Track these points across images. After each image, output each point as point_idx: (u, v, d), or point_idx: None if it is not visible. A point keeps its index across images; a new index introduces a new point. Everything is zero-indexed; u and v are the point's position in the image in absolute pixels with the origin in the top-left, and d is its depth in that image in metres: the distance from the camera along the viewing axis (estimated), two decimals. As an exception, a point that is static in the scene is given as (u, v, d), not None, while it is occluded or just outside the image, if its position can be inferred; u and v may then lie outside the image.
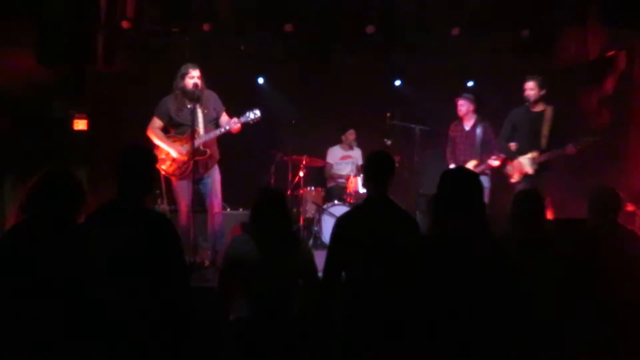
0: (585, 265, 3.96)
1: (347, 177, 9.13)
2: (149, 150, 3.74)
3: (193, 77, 6.39)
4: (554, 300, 3.82)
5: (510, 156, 7.33)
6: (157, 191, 7.47)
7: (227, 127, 6.45)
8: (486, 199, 7.46)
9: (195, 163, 6.34)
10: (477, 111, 8.21)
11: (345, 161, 9.72)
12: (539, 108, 7.20)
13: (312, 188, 9.10)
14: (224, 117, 6.63)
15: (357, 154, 9.75)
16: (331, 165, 9.71)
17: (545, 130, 7.11)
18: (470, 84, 9.59)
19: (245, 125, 6.53)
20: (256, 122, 6.58)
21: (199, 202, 6.64)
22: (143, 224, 3.29)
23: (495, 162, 7.55)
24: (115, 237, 3.14)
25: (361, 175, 8.68)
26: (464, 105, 8.16)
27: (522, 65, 8.70)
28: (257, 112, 6.53)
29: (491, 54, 9.16)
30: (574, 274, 3.90)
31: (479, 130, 7.98)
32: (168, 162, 6.46)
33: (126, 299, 3.07)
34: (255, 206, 4.06)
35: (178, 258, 3.38)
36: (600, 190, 4.48)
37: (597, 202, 4.40)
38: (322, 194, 9.13)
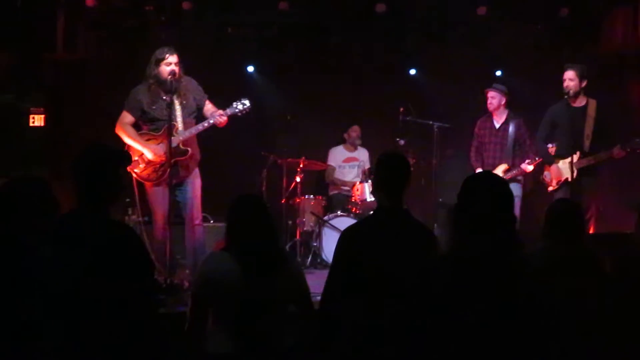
0: (632, 288, 3.95)
1: (352, 184, 9.12)
2: (116, 149, 3.70)
3: (170, 64, 6.36)
4: (597, 327, 3.81)
5: (549, 160, 7.31)
6: (128, 199, 7.46)
7: (212, 121, 6.42)
8: (517, 210, 7.47)
9: (174, 165, 6.33)
10: (508, 106, 8.16)
11: (349, 164, 9.71)
12: (580, 103, 7.18)
13: (311, 196, 9.09)
14: (208, 106, 6.60)
15: (363, 156, 9.74)
16: (333, 169, 9.70)
17: (587, 129, 7.09)
18: (498, 73, 9.59)
19: (232, 118, 6.52)
20: (245, 114, 6.57)
21: (177, 212, 6.63)
22: (106, 242, 3.23)
23: (529, 167, 7.53)
24: (71, 260, 3.09)
25: (369, 181, 8.68)
26: (495, 98, 8.08)
27: (559, 52, 8.71)
28: (246, 102, 6.52)
29: (523, 39, 9.16)
30: (619, 297, 3.89)
31: (511, 128, 7.93)
32: (142, 165, 6.44)
33: (77, 341, 3.05)
34: (229, 217, 4.02)
35: (145, 289, 3.35)
36: None
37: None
38: (323, 203, 9.13)
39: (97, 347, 3.10)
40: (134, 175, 6.44)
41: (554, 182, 7.26)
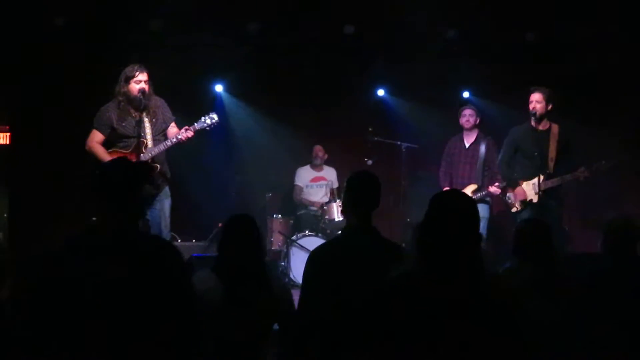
0: (603, 305, 3.99)
1: (320, 203, 9.13)
2: (141, 163, 3.59)
3: (140, 82, 6.32)
4: (563, 346, 3.85)
5: (512, 184, 7.35)
6: (94, 218, 7.38)
7: (180, 136, 6.38)
8: (484, 230, 7.51)
9: (149, 182, 6.28)
10: (478, 126, 8.21)
11: (317, 184, 9.70)
12: (544, 126, 7.16)
13: (279, 216, 9.09)
14: (172, 129, 6.57)
15: (330, 175, 9.73)
16: (301, 189, 9.69)
17: (552, 152, 7.12)
18: (466, 94, 9.67)
19: (200, 134, 6.49)
20: (213, 129, 6.56)
21: (145, 230, 6.58)
22: (145, 257, 3.09)
23: (497, 190, 7.56)
24: (104, 276, 2.96)
25: (337, 200, 8.69)
26: (472, 116, 8.11)
27: (526, 75, 8.81)
28: (215, 117, 6.49)
29: (491, 61, 9.25)
30: (591, 314, 3.93)
31: (482, 148, 7.99)
32: None
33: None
34: (222, 235, 4.04)
35: (190, 305, 3.18)
36: (617, 221, 4.52)
37: (615, 233, 4.43)
38: (290, 222, 9.14)
39: None
40: None
41: (518, 204, 7.28)
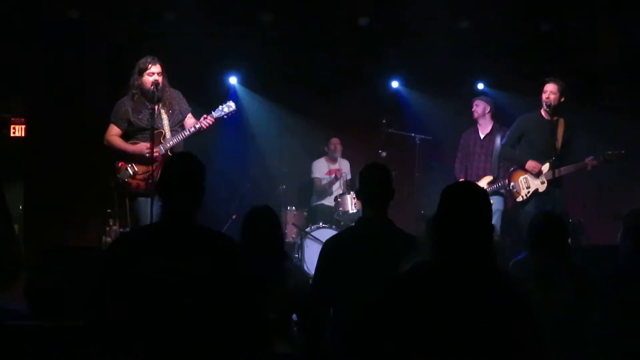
0: (623, 300, 3.97)
1: (335, 195, 9.14)
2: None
3: (152, 74, 6.33)
4: (575, 337, 3.84)
5: (518, 165, 7.33)
6: (109, 210, 7.43)
7: (198, 125, 6.40)
8: (498, 222, 7.51)
9: None
10: (494, 117, 8.23)
11: (331, 176, 9.73)
12: (553, 117, 7.15)
13: (293, 208, 9.11)
14: (189, 120, 6.60)
15: (345, 167, 9.74)
16: (320, 180, 9.70)
17: (558, 142, 7.13)
18: (480, 86, 9.64)
19: (216, 121, 6.51)
20: (230, 117, 6.58)
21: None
22: (212, 250, 3.09)
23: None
24: (174, 269, 2.97)
25: (351, 192, 8.69)
26: (479, 106, 8.17)
27: (541, 66, 8.76)
28: (232, 105, 6.52)
29: (505, 52, 9.22)
30: (612, 307, 3.91)
31: (497, 139, 7.98)
32: (131, 173, 6.37)
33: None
34: (242, 228, 4.09)
35: (252, 298, 3.20)
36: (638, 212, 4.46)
37: (636, 224, 4.38)
38: (304, 214, 9.15)
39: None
40: (128, 185, 6.39)
41: (523, 193, 7.28)
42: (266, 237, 3.99)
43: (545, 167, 7.06)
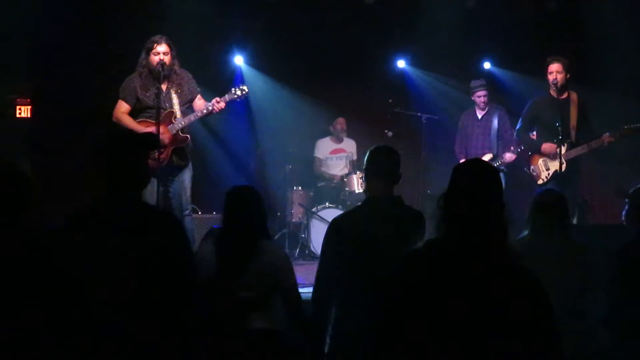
0: (627, 281, 3.98)
1: (340, 175, 9.15)
2: (143, 134, 3.61)
3: (158, 54, 6.37)
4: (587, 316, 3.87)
5: (534, 149, 7.34)
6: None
7: (210, 108, 6.44)
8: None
9: (176, 153, 6.37)
10: (490, 97, 8.27)
11: (336, 156, 9.71)
12: (564, 95, 7.21)
13: (299, 188, 9.13)
14: (199, 101, 6.62)
15: (350, 147, 9.73)
16: (320, 161, 9.73)
17: (573, 120, 7.11)
18: (487, 65, 9.62)
19: (230, 103, 6.55)
20: (243, 99, 6.62)
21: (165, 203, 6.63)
22: (151, 228, 3.18)
23: (512, 157, 7.61)
24: (109, 247, 3.06)
25: (357, 172, 8.72)
26: (486, 96, 8.21)
27: (546, 44, 8.73)
28: (245, 89, 6.56)
29: (510, 31, 9.18)
30: (615, 285, 3.93)
31: (495, 119, 8.06)
32: None
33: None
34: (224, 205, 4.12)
35: (188, 275, 3.30)
36: None
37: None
38: (310, 194, 9.19)
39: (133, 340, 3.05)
40: None
41: (543, 175, 7.27)
42: (244, 215, 4.00)
43: (563, 148, 7.03)
